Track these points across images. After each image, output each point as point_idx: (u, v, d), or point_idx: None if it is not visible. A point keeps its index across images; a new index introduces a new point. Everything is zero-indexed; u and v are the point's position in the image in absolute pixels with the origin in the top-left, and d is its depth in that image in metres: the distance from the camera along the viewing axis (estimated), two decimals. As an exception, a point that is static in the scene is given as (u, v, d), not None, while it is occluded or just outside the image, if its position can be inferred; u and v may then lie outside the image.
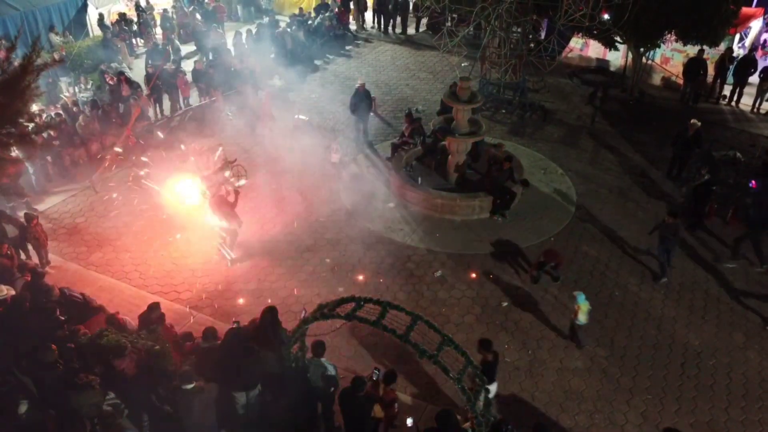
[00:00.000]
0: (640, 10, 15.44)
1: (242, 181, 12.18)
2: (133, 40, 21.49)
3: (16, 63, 8.97)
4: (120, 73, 16.71)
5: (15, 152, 10.34)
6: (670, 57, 19.34)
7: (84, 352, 7.64)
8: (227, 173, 11.89)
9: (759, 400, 9.21)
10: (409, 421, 7.23)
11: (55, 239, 12.07)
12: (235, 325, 8.10)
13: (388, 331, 6.43)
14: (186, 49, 21.32)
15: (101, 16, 21.25)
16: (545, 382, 9.44)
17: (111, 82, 16.52)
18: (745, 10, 17.91)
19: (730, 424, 8.86)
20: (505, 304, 10.86)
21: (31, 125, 9.68)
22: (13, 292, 8.75)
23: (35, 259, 11.18)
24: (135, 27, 21.85)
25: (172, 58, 18.81)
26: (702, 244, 12.45)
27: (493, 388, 8.06)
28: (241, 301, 10.83)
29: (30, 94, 8.69)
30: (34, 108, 11.66)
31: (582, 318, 9.65)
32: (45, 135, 12.68)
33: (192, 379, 6.93)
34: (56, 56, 15.13)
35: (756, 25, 19.06)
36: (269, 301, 10.71)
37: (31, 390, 7.27)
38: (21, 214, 11.95)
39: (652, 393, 9.27)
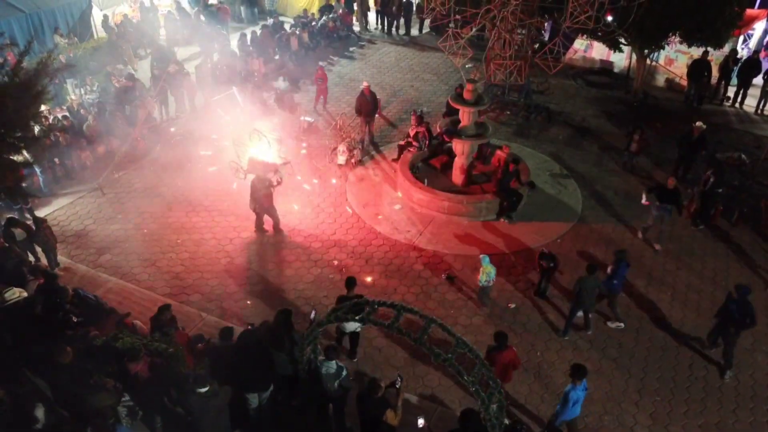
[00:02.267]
0: (645, 12, 15.47)
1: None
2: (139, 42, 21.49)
3: (24, 64, 9.03)
4: (131, 76, 16.82)
5: (24, 155, 10.39)
6: (674, 58, 19.39)
7: (97, 354, 7.67)
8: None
9: (767, 402, 9.25)
10: (420, 422, 7.25)
11: (63, 241, 12.10)
12: (249, 327, 8.15)
13: (403, 334, 6.47)
14: (190, 50, 21.36)
15: (105, 17, 21.31)
16: (554, 384, 9.48)
17: (117, 84, 16.56)
18: (749, 11, 17.97)
19: (739, 426, 8.90)
20: (512, 305, 10.90)
21: (37, 128, 9.75)
22: (25, 294, 8.79)
23: (44, 262, 11.22)
24: (146, 28, 21.79)
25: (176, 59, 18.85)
26: (707, 245, 12.48)
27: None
28: (248, 302, 10.88)
29: (43, 98, 8.75)
30: (42, 108, 11.75)
31: (482, 279, 10.35)
32: (52, 137, 12.80)
33: (207, 383, 6.97)
34: (62, 58, 15.20)
35: (760, 26, 19.12)
36: (277, 302, 10.80)
37: (44, 392, 7.29)
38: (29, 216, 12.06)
39: (661, 394, 9.32)
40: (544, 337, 10.30)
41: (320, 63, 18.88)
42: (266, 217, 12.48)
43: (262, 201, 11.99)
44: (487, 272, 10.37)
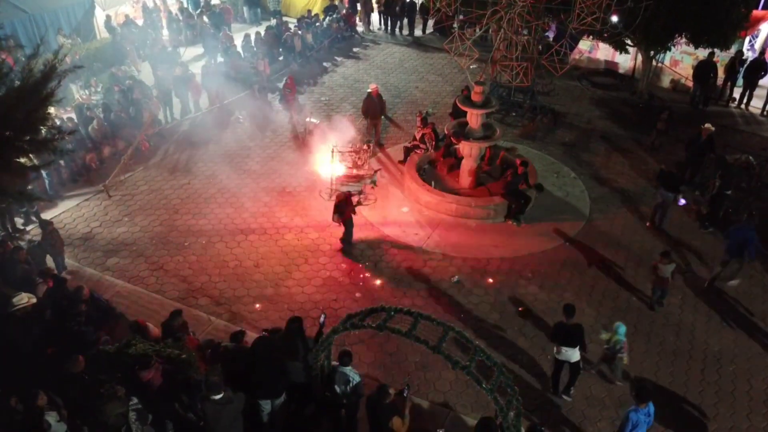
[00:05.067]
0: (652, 14, 15.44)
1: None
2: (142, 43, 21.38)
3: (30, 66, 8.95)
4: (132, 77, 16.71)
5: (32, 158, 10.31)
6: (680, 60, 19.33)
7: (110, 362, 7.61)
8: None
9: (780, 406, 9.22)
10: None
11: (69, 244, 12.02)
12: (264, 334, 8.10)
13: (421, 342, 6.42)
14: (194, 51, 21.29)
15: (108, 17, 21.22)
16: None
17: (116, 90, 16.40)
18: (755, 12, 17.92)
19: None
20: (522, 309, 10.84)
21: (44, 130, 9.67)
22: (34, 300, 8.71)
23: (51, 265, 11.14)
24: (148, 29, 21.67)
25: (180, 60, 18.77)
26: (717, 249, 12.42)
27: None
28: (257, 306, 10.82)
29: (51, 101, 8.68)
30: (50, 111, 11.67)
31: (611, 342, 8.99)
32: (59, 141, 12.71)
33: (221, 390, 6.91)
34: (68, 60, 15.09)
35: (765, 27, 19.04)
36: (286, 306, 10.76)
37: (57, 402, 7.22)
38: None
39: (673, 400, 9.26)
40: (555, 341, 10.24)
41: (290, 73, 18.45)
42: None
43: (343, 214, 11.81)
44: (615, 341, 8.96)
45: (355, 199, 12.29)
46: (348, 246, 12.15)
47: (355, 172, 12.99)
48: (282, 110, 17.52)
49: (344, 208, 11.79)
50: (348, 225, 12.05)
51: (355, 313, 7.21)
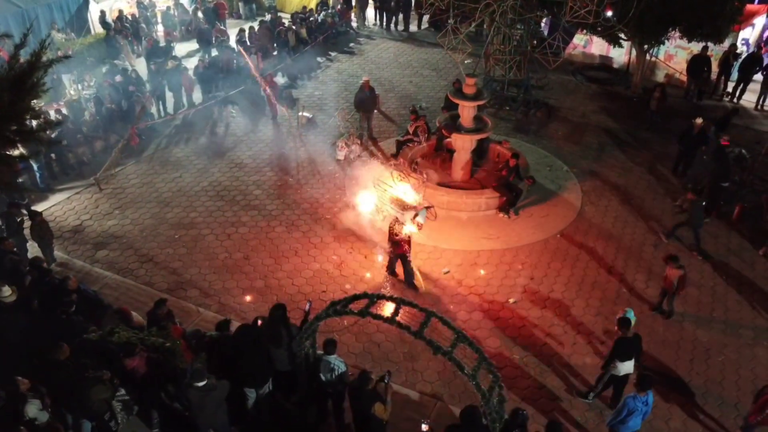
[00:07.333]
0: (645, 7, 15.42)
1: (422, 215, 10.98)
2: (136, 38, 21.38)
3: (21, 58, 8.91)
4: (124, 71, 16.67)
5: (20, 149, 10.27)
6: (674, 54, 19.31)
7: (94, 350, 7.59)
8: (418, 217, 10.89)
9: (768, 396, 9.19)
10: (424, 427, 7.14)
11: (60, 237, 12.02)
12: (260, 322, 8.08)
13: (403, 327, 6.41)
14: (188, 47, 21.27)
15: (102, 13, 21.20)
16: (554, 379, 9.42)
17: (106, 84, 16.37)
18: (748, 6, 17.92)
19: (740, 421, 8.82)
20: (512, 300, 10.84)
21: (35, 122, 9.64)
22: (15, 297, 8.65)
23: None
24: (141, 24, 21.64)
25: (174, 55, 18.74)
26: (708, 240, 12.42)
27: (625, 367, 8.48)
28: (248, 298, 10.81)
29: (38, 91, 8.63)
30: (41, 103, 11.62)
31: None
32: (50, 132, 12.67)
33: (204, 377, 6.90)
34: (60, 53, 15.08)
35: (759, 21, 19.02)
36: (276, 298, 10.74)
37: (41, 390, 7.19)
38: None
39: (661, 389, 9.23)
40: (543, 332, 10.21)
41: (271, 71, 17.82)
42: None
43: (397, 247, 10.77)
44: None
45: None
46: (412, 287, 11.00)
47: (406, 199, 11.16)
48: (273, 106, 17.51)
49: (395, 240, 10.70)
50: (403, 262, 10.92)
51: (339, 300, 7.20)
